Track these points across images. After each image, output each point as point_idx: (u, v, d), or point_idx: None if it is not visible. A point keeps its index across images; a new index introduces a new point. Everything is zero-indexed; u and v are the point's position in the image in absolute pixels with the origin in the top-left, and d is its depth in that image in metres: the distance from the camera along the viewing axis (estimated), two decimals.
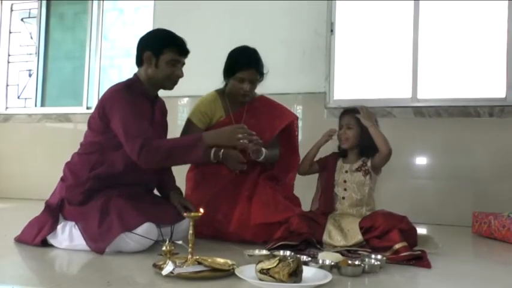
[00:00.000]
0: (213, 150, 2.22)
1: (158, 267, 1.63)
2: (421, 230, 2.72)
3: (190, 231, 1.68)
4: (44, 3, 4.98)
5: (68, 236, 2.06)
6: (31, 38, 5.04)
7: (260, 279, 1.47)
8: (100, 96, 2.47)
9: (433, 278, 1.79)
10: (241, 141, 2.10)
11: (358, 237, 2.14)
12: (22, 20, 5.13)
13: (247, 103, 2.57)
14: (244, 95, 2.48)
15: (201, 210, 1.76)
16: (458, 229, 3.19)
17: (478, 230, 2.91)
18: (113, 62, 4.86)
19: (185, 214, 1.76)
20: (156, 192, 2.40)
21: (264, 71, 2.49)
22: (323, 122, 3.73)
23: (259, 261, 1.51)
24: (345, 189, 2.31)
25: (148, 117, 2.19)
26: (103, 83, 4.71)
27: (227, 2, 4.05)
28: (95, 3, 4.80)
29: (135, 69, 2.27)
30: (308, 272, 1.56)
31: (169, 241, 1.68)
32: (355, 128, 2.32)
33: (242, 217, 2.34)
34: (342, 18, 3.92)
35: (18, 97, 5.11)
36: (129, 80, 2.23)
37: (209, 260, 1.68)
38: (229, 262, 1.70)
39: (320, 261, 1.74)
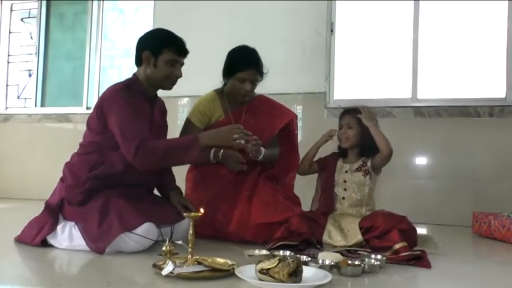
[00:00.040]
0: (212, 151, 2.22)
1: (158, 267, 1.63)
2: (421, 230, 2.72)
3: (190, 231, 1.68)
4: (43, 3, 4.98)
5: (67, 236, 2.06)
6: (31, 38, 5.04)
7: (260, 279, 1.47)
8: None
9: (433, 278, 1.79)
10: (237, 141, 2.09)
11: (358, 237, 2.14)
12: (22, 20, 5.13)
13: (246, 103, 2.57)
14: (245, 95, 2.49)
15: (201, 210, 1.76)
16: (458, 229, 3.19)
17: (478, 230, 2.91)
18: (113, 62, 4.86)
19: (185, 214, 1.76)
20: (156, 192, 2.40)
21: (264, 71, 2.49)
22: (323, 122, 3.73)
23: (259, 261, 1.51)
24: (345, 189, 2.31)
25: (147, 117, 2.19)
26: (103, 83, 4.71)
27: (227, 2, 4.05)
28: (95, 3, 4.80)
29: (135, 69, 2.27)
30: (308, 272, 1.56)
31: (169, 241, 1.68)
32: (356, 128, 2.32)
33: (242, 217, 2.34)
34: (342, 18, 3.92)
35: (18, 97, 5.11)
36: (128, 80, 2.23)
37: (209, 260, 1.68)
38: (229, 262, 1.70)
39: (320, 261, 1.74)
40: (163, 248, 1.65)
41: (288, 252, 1.93)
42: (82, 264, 1.87)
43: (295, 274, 1.45)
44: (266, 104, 2.63)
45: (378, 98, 3.78)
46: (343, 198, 2.31)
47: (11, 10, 5.14)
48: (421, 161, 3.62)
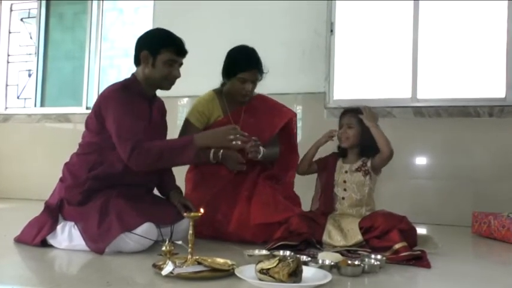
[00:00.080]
0: (212, 151, 2.21)
1: (158, 268, 1.63)
2: (421, 230, 2.72)
3: (190, 232, 1.68)
4: (43, 3, 4.98)
5: (67, 236, 2.06)
6: (31, 38, 5.03)
7: (260, 279, 1.47)
8: None
9: (432, 278, 1.79)
10: (233, 142, 2.07)
11: (358, 237, 2.14)
12: (22, 20, 5.13)
13: (245, 102, 2.56)
14: (246, 95, 2.49)
15: (201, 210, 1.76)
16: (458, 229, 3.19)
17: (478, 230, 2.91)
18: (113, 62, 4.86)
19: (185, 214, 1.76)
20: (156, 192, 2.40)
21: (264, 71, 2.49)
22: (323, 122, 3.73)
23: (259, 261, 1.51)
24: (345, 190, 2.31)
25: (145, 117, 2.19)
26: (102, 83, 4.71)
27: (227, 2, 4.05)
28: (95, 3, 4.80)
29: (134, 69, 2.27)
30: (308, 272, 1.56)
31: (169, 241, 1.68)
32: (356, 128, 2.31)
33: (242, 217, 2.34)
34: (341, 18, 3.92)
35: (18, 97, 5.11)
36: (126, 80, 2.23)
37: (209, 260, 1.68)
38: (229, 262, 1.70)
39: (320, 261, 1.74)
40: (163, 248, 1.65)
41: (287, 252, 1.93)
42: (82, 264, 1.87)
43: (295, 274, 1.45)
44: (265, 104, 2.63)
45: (378, 98, 3.77)
46: (343, 198, 2.31)
47: (11, 10, 5.14)
48: (421, 161, 3.62)
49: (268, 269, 1.46)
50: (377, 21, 3.89)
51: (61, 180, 2.22)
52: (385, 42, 3.86)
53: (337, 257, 1.81)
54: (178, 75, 2.21)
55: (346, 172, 2.33)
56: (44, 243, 2.08)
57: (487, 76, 3.62)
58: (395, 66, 3.81)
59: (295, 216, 2.23)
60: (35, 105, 4.95)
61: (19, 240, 2.16)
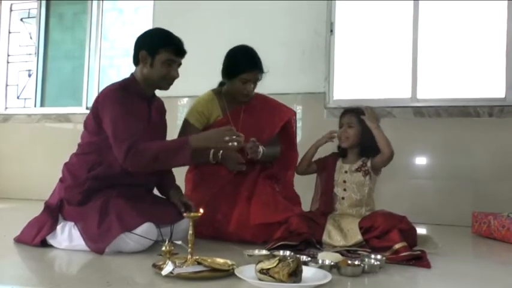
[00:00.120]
0: (212, 151, 2.20)
1: (158, 268, 1.63)
2: (421, 230, 2.72)
3: (190, 232, 1.68)
4: (43, 3, 4.98)
5: (67, 236, 2.06)
6: (30, 38, 5.03)
7: (260, 279, 1.47)
8: None
9: (432, 278, 1.79)
10: (229, 144, 2.06)
11: (358, 237, 2.14)
12: (21, 20, 5.12)
13: (244, 102, 2.56)
14: (247, 95, 2.49)
15: (201, 210, 1.76)
16: (457, 229, 3.19)
17: (478, 230, 2.91)
18: (113, 62, 4.86)
19: (185, 214, 1.76)
20: (155, 191, 2.40)
21: (265, 70, 2.49)
22: (323, 122, 3.73)
23: (259, 261, 1.51)
24: (345, 190, 2.31)
25: (143, 117, 2.18)
26: (102, 83, 4.71)
27: (227, 2, 4.05)
28: (95, 3, 4.79)
29: (134, 69, 2.26)
30: (308, 272, 1.56)
31: (168, 241, 1.68)
32: (356, 127, 2.31)
33: (241, 217, 2.34)
34: (341, 18, 3.92)
35: (18, 97, 5.11)
36: (125, 80, 2.23)
37: (209, 260, 1.68)
38: (229, 262, 1.70)
39: (320, 261, 1.74)
40: (163, 248, 1.65)
41: (287, 252, 1.93)
42: (82, 264, 1.87)
43: (295, 274, 1.45)
44: (264, 103, 2.63)
45: (378, 98, 3.77)
46: (343, 198, 2.31)
47: (11, 10, 5.14)
48: (420, 161, 3.62)
49: (268, 269, 1.46)
50: (377, 21, 3.89)
51: (61, 180, 2.22)
52: (385, 42, 3.86)
53: (337, 257, 1.81)
54: (176, 76, 2.20)
55: (346, 172, 2.33)
56: (44, 243, 2.08)
57: (486, 76, 3.62)
58: (395, 66, 3.81)
59: (295, 216, 2.23)
60: (35, 105, 4.95)
61: (19, 240, 2.16)
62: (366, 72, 3.90)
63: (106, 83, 4.56)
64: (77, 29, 4.93)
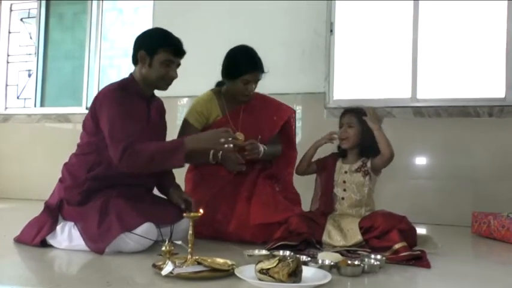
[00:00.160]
0: (211, 152, 2.20)
1: (158, 268, 1.63)
2: (421, 230, 2.72)
3: (190, 232, 1.68)
4: (43, 3, 4.98)
5: (67, 236, 2.06)
6: (30, 38, 5.03)
7: (260, 279, 1.47)
8: None
9: (432, 278, 1.79)
10: (225, 145, 2.05)
11: (358, 237, 2.14)
12: (21, 20, 5.12)
13: (244, 102, 2.56)
14: (248, 95, 2.50)
15: (201, 210, 1.76)
16: (457, 229, 3.19)
17: (478, 230, 2.91)
18: (112, 62, 4.86)
19: (185, 214, 1.76)
20: (155, 191, 2.39)
21: (265, 70, 2.50)
22: (323, 122, 3.73)
23: (259, 261, 1.51)
24: (344, 190, 2.31)
25: (142, 117, 2.18)
26: (102, 83, 4.70)
27: (227, 2, 4.05)
28: (94, 3, 4.79)
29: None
30: (308, 272, 1.56)
31: (168, 241, 1.68)
32: (356, 127, 2.31)
33: (241, 217, 2.34)
34: (341, 18, 3.92)
35: (18, 97, 5.11)
36: (123, 80, 2.22)
37: (209, 260, 1.68)
38: (229, 262, 1.70)
39: (319, 261, 1.74)
40: (163, 248, 1.65)
41: (287, 252, 1.93)
42: (82, 264, 1.87)
43: (294, 274, 1.45)
44: (263, 102, 2.63)
45: (378, 98, 3.77)
46: (343, 198, 2.31)
47: (11, 10, 5.14)
48: (420, 161, 3.62)
49: (268, 269, 1.46)
50: (377, 21, 3.89)
51: (60, 180, 2.22)
52: (385, 42, 3.86)
53: (337, 257, 1.81)
54: (175, 76, 2.20)
55: (345, 172, 2.33)
56: (44, 244, 2.08)
57: (486, 76, 3.62)
58: (395, 66, 3.81)
59: (294, 216, 2.23)
60: (35, 105, 4.95)
61: (19, 240, 2.16)
62: (365, 72, 3.90)
63: (106, 83, 4.54)
64: (76, 29, 4.93)
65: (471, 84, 3.64)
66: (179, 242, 2.24)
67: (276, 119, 2.58)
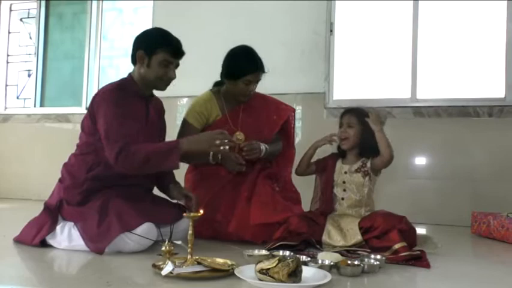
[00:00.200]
0: (211, 152, 2.20)
1: (157, 268, 1.63)
2: (421, 230, 2.73)
3: (190, 232, 1.68)
4: (43, 3, 4.98)
5: (67, 236, 2.05)
6: (30, 38, 5.03)
7: (259, 279, 1.47)
8: None
9: (432, 278, 1.79)
10: (221, 147, 2.05)
11: (358, 237, 2.14)
12: (21, 20, 5.12)
13: (243, 101, 2.56)
14: (249, 95, 2.50)
15: (201, 210, 1.76)
16: (457, 229, 3.19)
17: (477, 230, 2.91)
18: (112, 62, 4.86)
19: (185, 215, 1.76)
20: (156, 190, 2.39)
21: (265, 70, 2.50)
22: (322, 122, 3.73)
23: (259, 261, 1.51)
24: (344, 190, 2.31)
25: (141, 117, 2.18)
26: (102, 83, 4.68)
27: (226, 2, 4.05)
28: (94, 3, 4.79)
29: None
30: (307, 272, 1.56)
31: (168, 241, 1.68)
32: (356, 127, 2.30)
33: (241, 217, 2.34)
34: (341, 18, 3.91)
35: (18, 97, 5.11)
36: (122, 80, 2.22)
37: (208, 260, 1.68)
38: (229, 262, 1.70)
39: (319, 261, 1.74)
40: (163, 248, 1.66)
41: (287, 252, 1.93)
42: (81, 264, 1.87)
43: (294, 274, 1.45)
44: (263, 102, 2.64)
45: (378, 98, 3.77)
46: (343, 199, 2.31)
47: (10, 10, 5.13)
48: (420, 161, 3.62)
49: (268, 269, 1.46)
50: (376, 21, 3.89)
51: (60, 180, 2.22)
52: (385, 42, 3.86)
53: (337, 257, 1.81)
54: (173, 77, 2.19)
55: (345, 173, 2.32)
56: (44, 244, 2.08)
57: (486, 76, 3.62)
58: (395, 66, 3.80)
59: (294, 216, 2.23)
60: (35, 106, 4.94)
61: (18, 240, 2.16)
62: (365, 72, 3.90)
63: (105, 83, 4.52)
64: (76, 29, 4.92)
65: (471, 84, 3.63)
66: (179, 242, 2.24)
67: (275, 118, 2.58)
